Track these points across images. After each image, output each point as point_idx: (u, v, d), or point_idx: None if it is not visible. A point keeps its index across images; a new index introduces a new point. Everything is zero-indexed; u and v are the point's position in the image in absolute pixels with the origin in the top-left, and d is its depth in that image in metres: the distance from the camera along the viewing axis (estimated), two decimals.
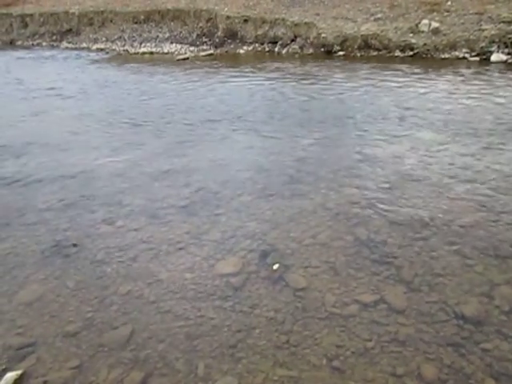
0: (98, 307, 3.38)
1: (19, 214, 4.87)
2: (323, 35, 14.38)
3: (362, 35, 13.76)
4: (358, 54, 13.58)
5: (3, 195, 5.39)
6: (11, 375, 2.80)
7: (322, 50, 14.28)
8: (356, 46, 13.82)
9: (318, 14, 15.47)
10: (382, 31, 13.65)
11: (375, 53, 13.45)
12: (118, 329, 3.16)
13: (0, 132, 7.97)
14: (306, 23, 15.08)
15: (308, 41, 14.86)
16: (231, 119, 7.86)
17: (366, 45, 13.71)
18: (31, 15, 24.81)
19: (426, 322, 3.08)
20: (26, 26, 24.97)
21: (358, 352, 2.88)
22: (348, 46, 13.93)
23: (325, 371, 2.77)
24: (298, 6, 16.52)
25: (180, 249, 4.03)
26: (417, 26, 13.35)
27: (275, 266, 3.69)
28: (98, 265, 3.88)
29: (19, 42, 24.12)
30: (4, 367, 2.90)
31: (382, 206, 4.56)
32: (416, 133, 6.59)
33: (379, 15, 14.53)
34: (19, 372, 2.84)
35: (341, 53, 13.85)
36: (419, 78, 10.06)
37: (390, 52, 13.21)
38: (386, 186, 4.98)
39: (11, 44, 24.07)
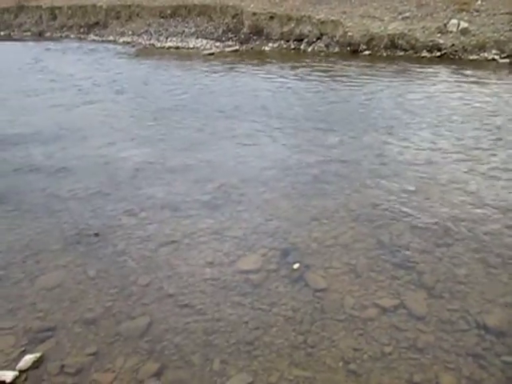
0: (117, 297, 3.42)
1: (45, 201, 4.97)
2: (349, 34, 14.23)
3: (388, 34, 13.57)
4: (384, 54, 13.40)
5: (31, 181, 5.51)
6: (30, 357, 2.86)
7: (348, 48, 14.14)
8: (382, 46, 13.64)
9: (344, 12, 15.32)
10: (409, 31, 13.44)
11: (402, 53, 13.25)
12: (135, 319, 3.19)
13: (30, 121, 8.13)
14: (332, 21, 14.95)
15: (334, 39, 14.73)
16: (255, 116, 7.85)
17: (392, 44, 13.52)
18: (60, 8, 25.25)
19: (447, 330, 3.02)
20: (55, 18, 25.43)
21: (376, 356, 2.84)
22: (374, 46, 13.76)
23: (341, 374, 2.74)
24: (325, 4, 16.38)
25: (201, 243, 4.05)
26: (445, 25, 13.10)
27: (295, 266, 3.66)
28: (119, 255, 3.93)
29: (48, 34, 24.57)
30: (23, 349, 2.97)
31: (405, 209, 4.49)
32: (444, 136, 6.46)
33: (407, 14, 14.31)
34: (38, 355, 2.90)
35: (367, 52, 13.69)
36: (446, 80, 9.87)
37: (416, 52, 12.99)
38: (411, 189, 4.90)
39: (40, 36, 24.55)
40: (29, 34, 25.54)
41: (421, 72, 10.82)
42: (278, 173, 5.49)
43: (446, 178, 5.14)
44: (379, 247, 3.92)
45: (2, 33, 27.25)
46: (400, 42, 13.37)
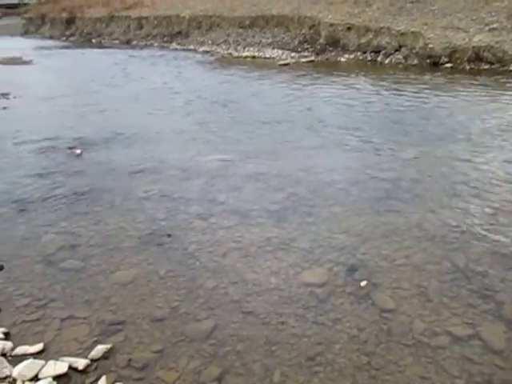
0: (185, 298, 3.51)
1: (122, 200, 5.27)
2: (430, 45, 13.69)
3: (473, 47, 12.87)
4: (467, 67, 12.72)
5: (110, 180, 5.87)
6: (101, 348, 3.00)
7: (428, 61, 13.60)
8: (466, 58, 12.95)
9: (426, 24, 14.77)
10: (496, 43, 12.65)
11: (487, 66, 12.50)
12: (201, 322, 3.26)
13: (110, 123, 8.69)
14: (412, 32, 14.47)
15: (413, 51, 14.24)
16: (328, 128, 7.78)
17: (477, 57, 12.79)
18: (147, 18, 26.79)
19: None
20: (141, 27, 27.02)
21: None
22: (457, 58, 13.11)
23: None
24: (406, 15, 15.90)
25: (267, 252, 4.07)
26: None
27: (363, 283, 3.56)
28: (188, 257, 4.05)
29: (134, 42, 26.14)
30: (96, 339, 3.12)
31: (484, 232, 4.21)
32: None
33: (494, 25, 13.47)
34: (108, 346, 3.03)
35: (448, 65, 13.08)
36: None
37: (503, 66, 12.19)
38: (491, 211, 4.59)
39: (127, 43, 26.18)
40: (117, 41, 27.33)
41: (509, 87, 10.14)
42: (349, 186, 5.39)
43: None
44: (454, 271, 3.70)
45: (94, 40, 29.43)
46: (485, 54, 12.63)
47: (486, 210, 4.63)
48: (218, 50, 19.87)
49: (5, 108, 10.44)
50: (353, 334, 3.09)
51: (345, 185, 5.43)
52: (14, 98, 11.71)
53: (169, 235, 4.39)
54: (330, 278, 3.66)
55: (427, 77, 11.88)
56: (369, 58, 15.34)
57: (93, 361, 2.92)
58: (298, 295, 3.49)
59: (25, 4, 51.39)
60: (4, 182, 5.87)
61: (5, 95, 11.92)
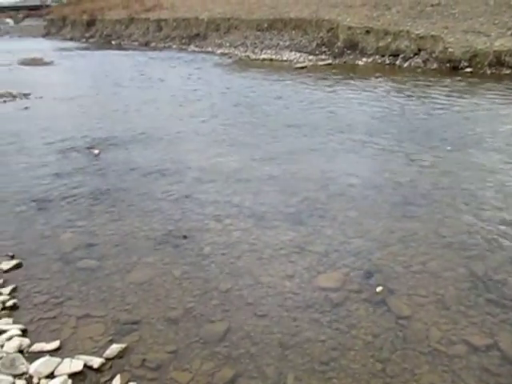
0: (199, 299, 3.52)
1: (139, 200, 5.32)
2: (450, 49, 13.52)
3: (494, 51, 12.67)
4: (488, 72, 12.52)
5: (128, 181, 5.93)
6: (116, 347, 3.02)
7: (448, 65, 13.44)
8: (486, 63, 12.75)
9: (446, 27, 14.59)
10: None
11: (508, 71, 12.29)
12: (215, 323, 3.26)
13: (130, 124, 8.78)
14: (432, 36, 14.32)
15: (433, 55, 14.10)
16: (346, 131, 7.73)
17: (498, 62, 12.59)
18: (166, 20, 27.06)
19: None
20: (160, 29, 27.30)
21: None
22: (477, 63, 12.92)
23: None
24: (426, 19, 15.75)
25: (282, 255, 4.05)
26: None
27: (378, 289, 3.52)
28: (203, 258, 4.06)
29: (153, 44, 26.42)
30: (111, 338, 3.14)
31: (504, 240, 4.13)
32: None
33: None
34: (123, 345, 3.04)
35: (468, 69, 12.89)
36: None
37: None
38: None
39: (146, 45, 26.48)
40: (136, 43, 27.67)
41: None
42: (365, 190, 5.35)
43: None
44: (472, 279, 3.63)
45: (114, 42, 29.86)
46: (507, 59, 12.42)
47: (507, 217, 4.54)
48: (236, 53, 19.95)
49: (26, 108, 10.65)
50: (368, 340, 3.05)
51: (362, 189, 5.39)
52: (36, 98, 11.93)
53: (185, 236, 4.41)
54: (345, 283, 3.63)
55: (447, 81, 11.73)
56: (387, 62, 15.23)
57: (107, 360, 2.94)
58: (313, 299, 3.47)
59: (47, 6, 52.42)
60: (24, 181, 5.98)
61: (26, 95, 12.15)
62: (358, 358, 2.92)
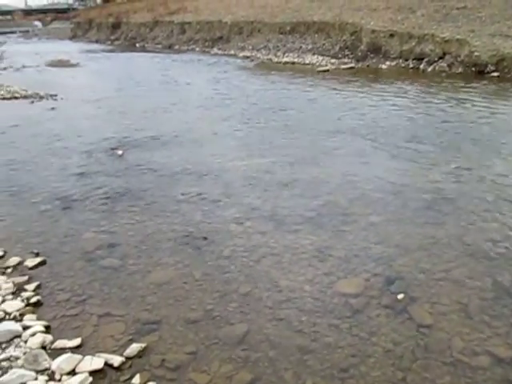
0: (219, 301, 3.53)
1: (162, 201, 5.37)
2: (476, 53, 13.27)
3: None
4: None
5: (150, 182, 6.00)
6: (136, 346, 3.05)
7: (473, 69, 13.19)
8: None
9: (472, 31, 14.34)
10: None
11: None
12: (234, 326, 3.26)
13: (155, 126, 8.89)
14: (457, 40, 14.08)
15: (458, 59, 13.85)
16: (368, 136, 7.66)
17: None
18: (189, 23, 27.36)
19: None
20: (184, 32, 27.61)
21: None
22: (504, 67, 12.65)
23: None
24: (451, 22, 15.50)
25: (302, 259, 4.03)
26: None
27: (400, 296, 3.47)
28: (223, 261, 4.07)
29: (176, 47, 26.73)
30: (131, 338, 3.17)
31: None
32: None
33: None
34: (143, 345, 3.07)
35: (495, 73, 12.63)
36: None
37: None
38: None
39: (170, 48, 26.80)
40: (160, 46, 28.05)
41: None
42: (387, 196, 5.28)
43: None
44: (496, 289, 3.55)
45: (138, 44, 30.33)
46: None
47: None
48: (258, 56, 20.01)
49: (53, 108, 10.90)
50: (388, 348, 3.01)
51: (383, 194, 5.32)
52: (62, 99, 12.21)
53: (205, 238, 4.44)
54: (365, 289, 3.59)
55: (474, 86, 11.51)
56: (411, 66, 15.03)
57: (128, 359, 2.96)
58: (333, 305, 3.44)
59: (74, 9, 53.60)
60: (49, 180, 6.12)
61: (53, 96, 12.45)
62: (377, 366, 2.88)
